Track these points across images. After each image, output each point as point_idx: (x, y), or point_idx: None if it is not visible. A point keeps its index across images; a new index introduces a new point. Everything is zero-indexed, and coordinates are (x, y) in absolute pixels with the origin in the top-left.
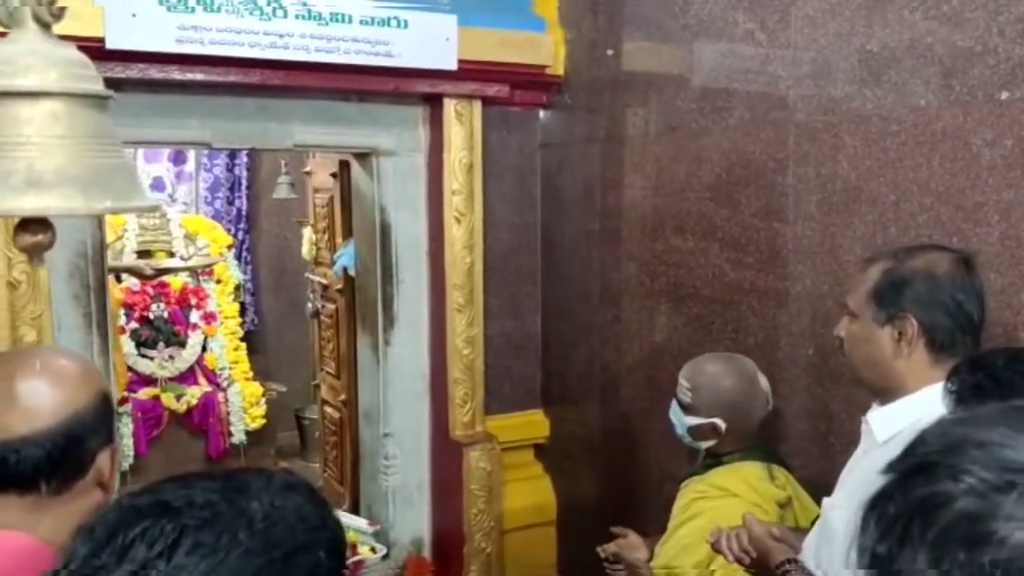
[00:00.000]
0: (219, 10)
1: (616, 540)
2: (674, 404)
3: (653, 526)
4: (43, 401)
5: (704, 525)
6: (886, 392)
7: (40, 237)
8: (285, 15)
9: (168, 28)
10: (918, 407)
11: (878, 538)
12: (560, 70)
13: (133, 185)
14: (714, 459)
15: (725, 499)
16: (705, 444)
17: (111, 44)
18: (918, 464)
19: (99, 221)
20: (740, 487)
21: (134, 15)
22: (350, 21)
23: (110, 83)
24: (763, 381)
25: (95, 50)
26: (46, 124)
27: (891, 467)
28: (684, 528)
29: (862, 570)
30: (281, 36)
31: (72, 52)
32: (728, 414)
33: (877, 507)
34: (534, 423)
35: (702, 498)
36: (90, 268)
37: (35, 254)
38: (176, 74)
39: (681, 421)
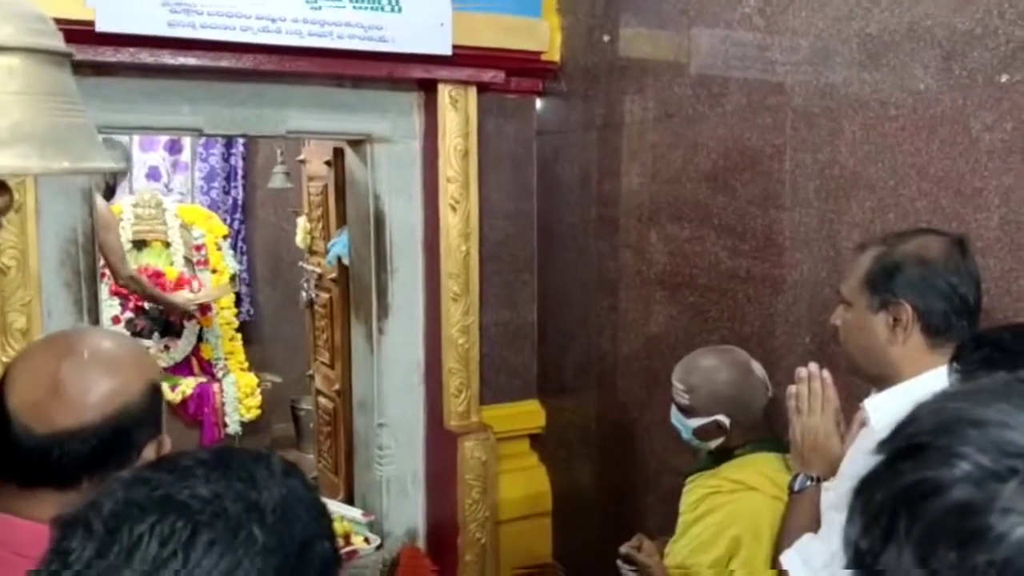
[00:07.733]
0: None
1: (631, 542)
2: (673, 409)
3: (650, 517)
4: (91, 394)
5: (721, 520)
6: (883, 379)
7: None
8: None
9: (159, 11)
10: (917, 392)
11: (861, 531)
12: (556, 56)
13: (93, 145)
14: (723, 454)
15: (742, 492)
16: (714, 443)
17: (101, 27)
18: (907, 446)
19: (89, 208)
20: (757, 480)
21: None
22: (343, 5)
23: (101, 67)
24: (758, 368)
25: (85, 33)
26: (1, 80)
27: (881, 447)
28: (699, 525)
29: (847, 570)
30: (273, 20)
31: (30, 6)
32: (729, 409)
33: (863, 494)
34: (530, 413)
35: (716, 492)
36: (81, 255)
37: None
38: (168, 58)
39: (684, 425)
